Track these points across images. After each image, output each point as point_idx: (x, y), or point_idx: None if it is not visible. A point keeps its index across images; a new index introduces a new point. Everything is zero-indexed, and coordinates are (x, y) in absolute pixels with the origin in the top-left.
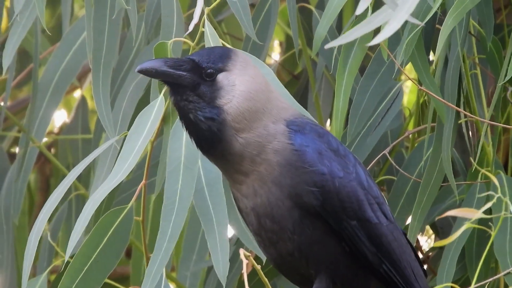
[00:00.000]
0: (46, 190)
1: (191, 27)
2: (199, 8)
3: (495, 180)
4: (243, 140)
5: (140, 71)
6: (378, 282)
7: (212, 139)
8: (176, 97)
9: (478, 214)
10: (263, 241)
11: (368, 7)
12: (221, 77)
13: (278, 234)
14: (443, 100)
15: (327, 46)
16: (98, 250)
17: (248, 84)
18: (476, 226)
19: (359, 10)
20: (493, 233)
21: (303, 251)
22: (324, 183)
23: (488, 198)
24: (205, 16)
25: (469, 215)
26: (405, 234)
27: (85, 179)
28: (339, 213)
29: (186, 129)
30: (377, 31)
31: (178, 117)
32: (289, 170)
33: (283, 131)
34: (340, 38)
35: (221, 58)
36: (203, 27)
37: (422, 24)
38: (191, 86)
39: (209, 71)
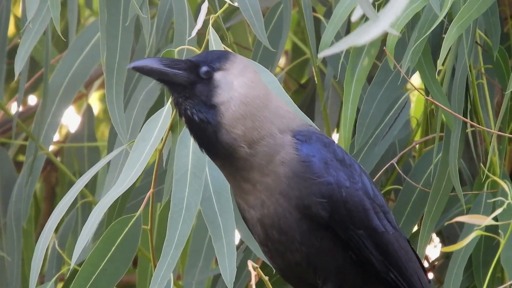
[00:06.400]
0: (52, 199)
1: (193, 33)
2: (202, 14)
3: (505, 186)
4: (249, 147)
5: (134, 69)
6: None
7: (210, 140)
8: (174, 94)
9: (488, 220)
10: (270, 251)
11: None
12: (218, 76)
13: (285, 245)
14: (450, 111)
15: (321, 55)
16: (106, 259)
17: (246, 87)
18: (486, 233)
19: (354, 17)
20: (503, 241)
21: (311, 262)
22: (332, 193)
23: (495, 206)
24: (210, 24)
25: (479, 222)
26: (409, 242)
27: (91, 186)
28: (346, 222)
29: (187, 127)
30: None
31: (179, 115)
32: (297, 182)
33: (290, 141)
34: (333, 46)
35: (219, 58)
36: (209, 34)
37: (398, 34)
38: (188, 84)
39: (205, 69)
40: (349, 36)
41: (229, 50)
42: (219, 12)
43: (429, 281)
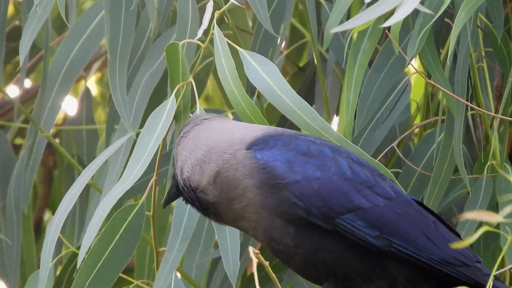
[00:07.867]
0: (49, 182)
1: (200, 33)
2: (208, 13)
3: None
4: (209, 189)
5: None
6: (396, 265)
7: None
8: None
9: (499, 218)
10: (282, 260)
11: None
12: None
13: (284, 252)
14: (453, 95)
15: (333, 30)
16: (110, 247)
17: (180, 149)
18: (492, 229)
19: None
20: (509, 238)
21: (311, 261)
22: (302, 190)
23: (495, 190)
24: (214, 20)
25: (490, 219)
26: (419, 202)
27: None
28: (326, 212)
29: None
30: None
31: None
32: (267, 191)
33: (246, 155)
34: (349, 21)
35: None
36: (214, 29)
37: (431, 13)
38: None
39: None
40: (370, 9)
41: (233, 44)
42: (224, 8)
43: (457, 234)
